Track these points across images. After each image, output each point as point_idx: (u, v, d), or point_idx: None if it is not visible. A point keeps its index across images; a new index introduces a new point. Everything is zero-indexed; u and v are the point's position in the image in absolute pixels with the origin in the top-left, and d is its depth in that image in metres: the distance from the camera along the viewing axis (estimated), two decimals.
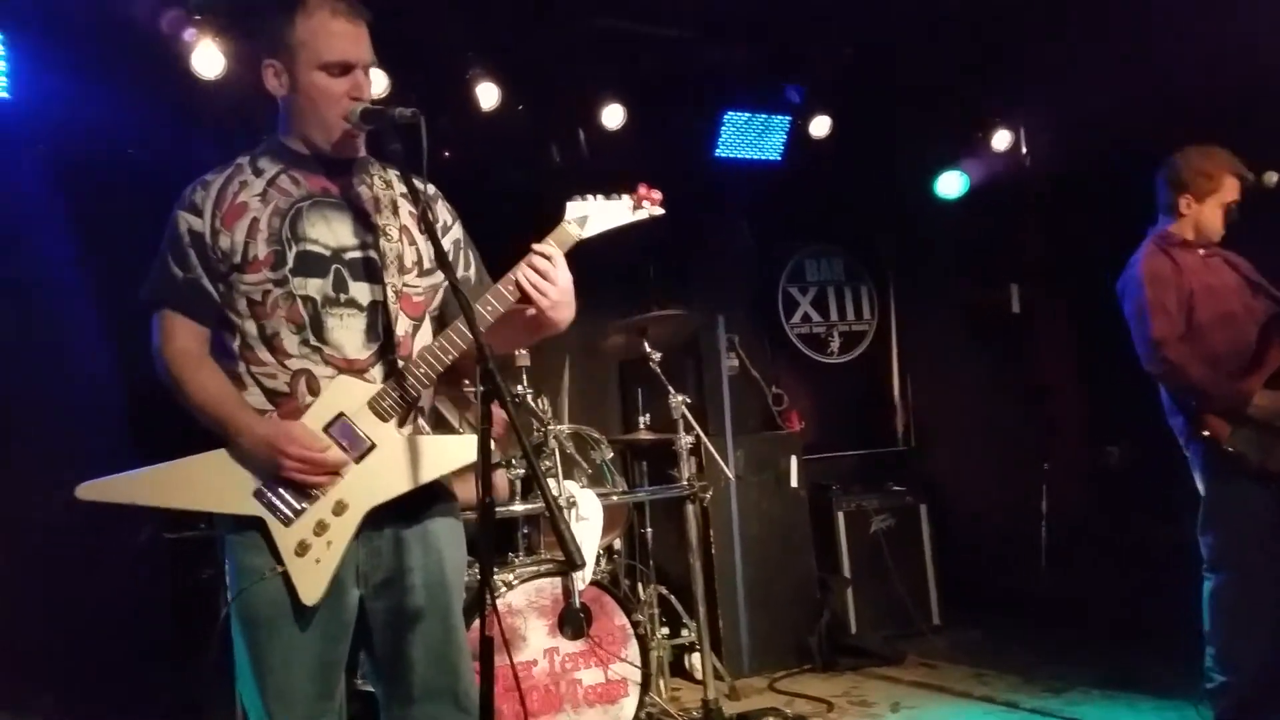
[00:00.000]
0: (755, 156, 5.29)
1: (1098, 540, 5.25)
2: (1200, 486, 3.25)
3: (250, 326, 2.00)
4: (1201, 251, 3.35)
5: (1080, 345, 5.63)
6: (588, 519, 3.38)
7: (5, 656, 3.55)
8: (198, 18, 3.74)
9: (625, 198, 2.23)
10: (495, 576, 3.37)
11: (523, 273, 2.02)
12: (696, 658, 4.15)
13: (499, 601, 3.27)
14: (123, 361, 3.82)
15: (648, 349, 3.93)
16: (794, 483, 4.91)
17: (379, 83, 3.99)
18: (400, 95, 4.07)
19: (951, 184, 5.61)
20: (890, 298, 6.06)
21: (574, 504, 3.38)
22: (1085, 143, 4.97)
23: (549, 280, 2.02)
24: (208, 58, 3.78)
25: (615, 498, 3.85)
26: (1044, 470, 5.59)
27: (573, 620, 3.25)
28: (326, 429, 1.98)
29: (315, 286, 2.01)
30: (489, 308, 2.03)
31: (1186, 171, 3.32)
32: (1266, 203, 3.22)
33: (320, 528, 1.97)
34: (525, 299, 2.04)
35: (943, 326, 5.96)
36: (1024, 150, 5.36)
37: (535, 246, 2.05)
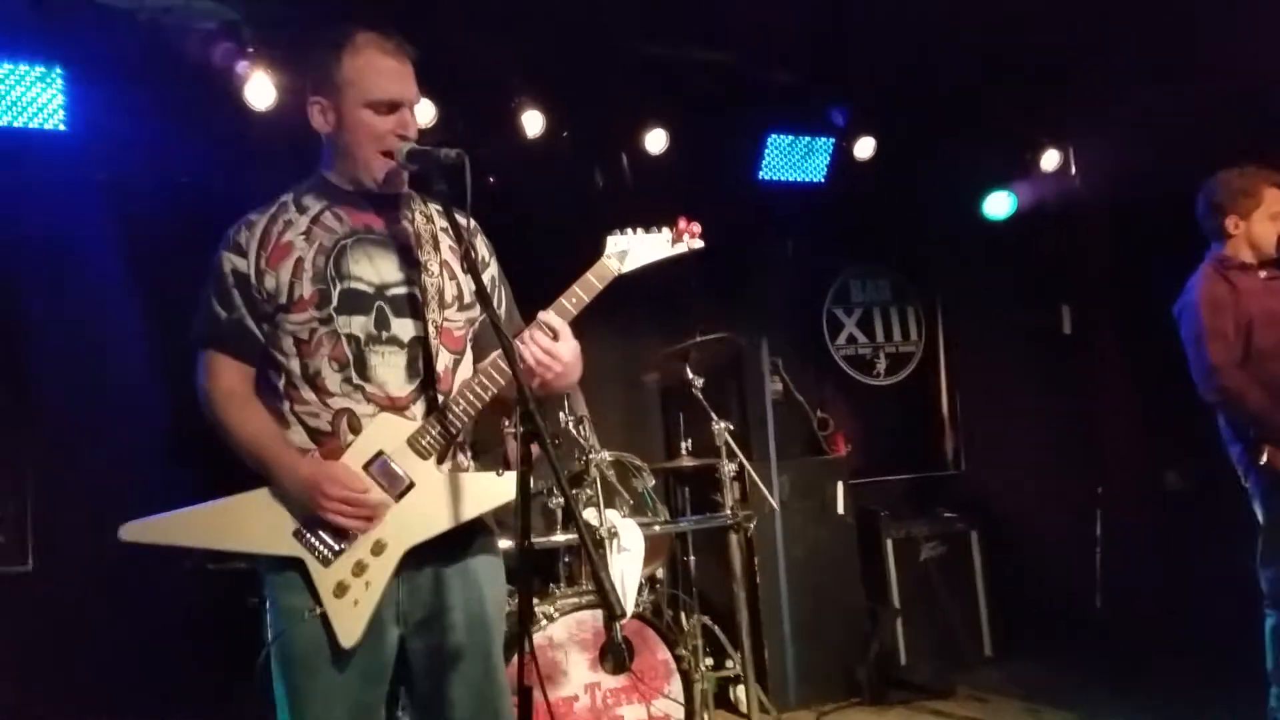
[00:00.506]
0: (799, 179, 5.26)
1: (1155, 568, 5.10)
2: (1260, 517, 3.17)
3: (295, 365, 2.02)
4: (1263, 275, 3.29)
5: (1134, 367, 5.51)
6: (629, 550, 3.34)
7: (53, 685, 3.61)
8: (250, 50, 3.81)
9: (665, 231, 2.24)
10: (536, 608, 3.36)
11: (528, 350, 2.01)
12: (741, 690, 4.09)
13: (539, 635, 3.26)
14: (175, 395, 3.85)
15: (690, 375, 3.92)
16: (840, 510, 4.84)
17: (425, 113, 4.06)
18: (447, 124, 4.14)
19: (1000, 204, 5.55)
20: (938, 318, 5.97)
21: (615, 535, 3.34)
22: (1135, 163, 4.87)
23: (554, 356, 2.01)
24: (260, 90, 3.83)
25: (657, 527, 3.81)
26: (1098, 495, 5.45)
27: (615, 654, 3.22)
28: (366, 467, 1.99)
29: (359, 324, 2.02)
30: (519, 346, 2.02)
31: (1224, 192, 3.29)
32: None
33: (359, 568, 1.97)
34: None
35: (992, 348, 5.86)
36: (1073, 170, 5.26)
37: (540, 316, 2.04)
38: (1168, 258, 3.53)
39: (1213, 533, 4.34)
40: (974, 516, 5.31)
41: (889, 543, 5.09)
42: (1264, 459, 3.06)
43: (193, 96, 3.92)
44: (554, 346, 2.01)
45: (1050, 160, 5.30)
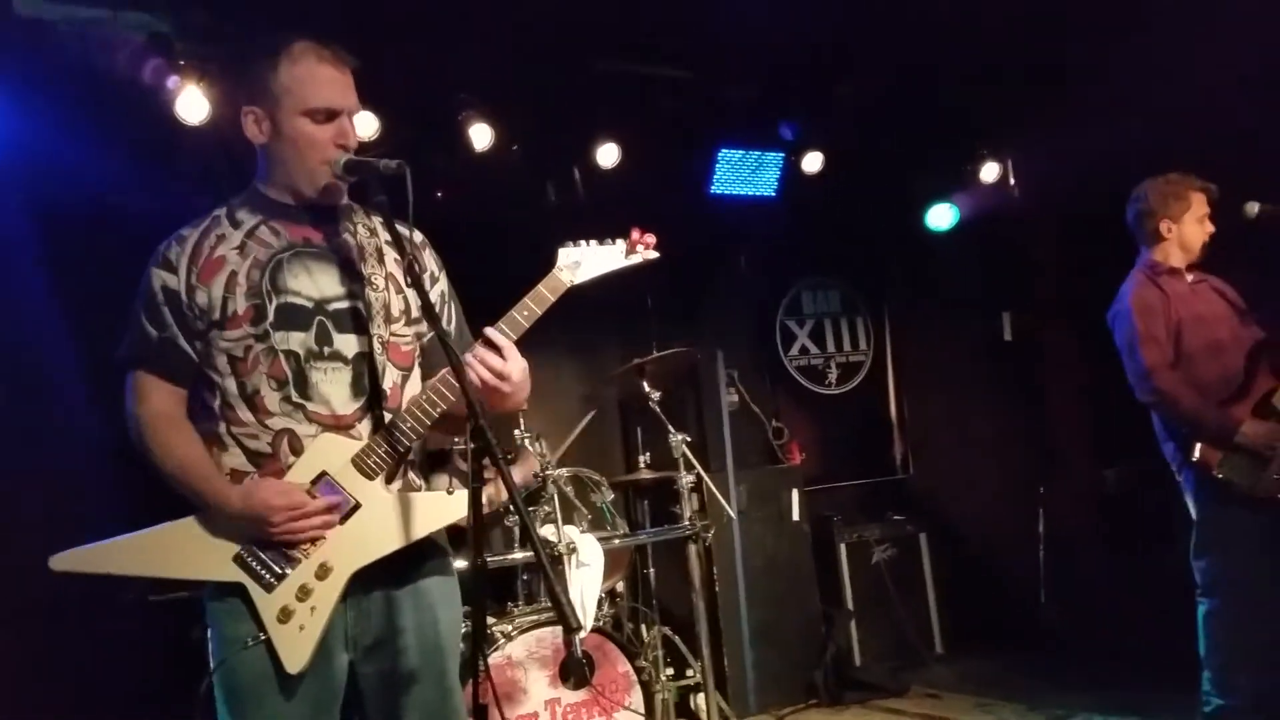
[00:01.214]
0: (750, 193, 5.35)
1: (1096, 564, 5.27)
2: (1193, 512, 3.29)
3: (231, 384, 1.94)
4: (1190, 279, 3.41)
5: (1076, 371, 5.68)
6: (588, 565, 3.34)
7: None
8: (182, 64, 3.70)
9: (619, 243, 2.20)
10: (494, 627, 3.32)
11: (474, 370, 1.94)
12: (702, 698, 4.14)
13: (498, 654, 3.21)
14: (109, 419, 3.67)
15: (646, 389, 3.93)
16: (795, 516, 4.93)
17: (368, 124, 4.00)
18: (391, 136, 4.08)
19: (942, 216, 5.70)
20: (886, 328, 6.10)
21: (574, 550, 3.34)
22: (1072, 174, 5.05)
23: (502, 376, 1.95)
24: (192, 104, 3.72)
25: (617, 541, 3.81)
26: (1041, 495, 5.62)
27: (575, 670, 3.16)
28: (309, 488, 1.92)
29: (298, 340, 1.95)
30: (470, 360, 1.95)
31: (1155, 198, 3.42)
32: (1251, 232, 3.28)
33: (303, 593, 1.89)
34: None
35: (938, 355, 6.01)
36: (1012, 182, 5.44)
37: (486, 332, 1.99)
38: (1105, 265, 3.64)
39: (1151, 529, 4.52)
40: (923, 519, 5.45)
41: (842, 547, 5.20)
42: (1196, 456, 3.18)
43: (121, 111, 3.80)
44: (502, 366, 1.95)
45: (990, 172, 5.46)
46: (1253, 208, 3.20)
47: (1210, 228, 3.39)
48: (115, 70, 3.72)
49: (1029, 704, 4.35)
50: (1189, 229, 3.38)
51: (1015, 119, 5.18)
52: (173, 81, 3.72)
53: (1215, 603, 3.21)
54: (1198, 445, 3.19)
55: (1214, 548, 3.22)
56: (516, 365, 1.99)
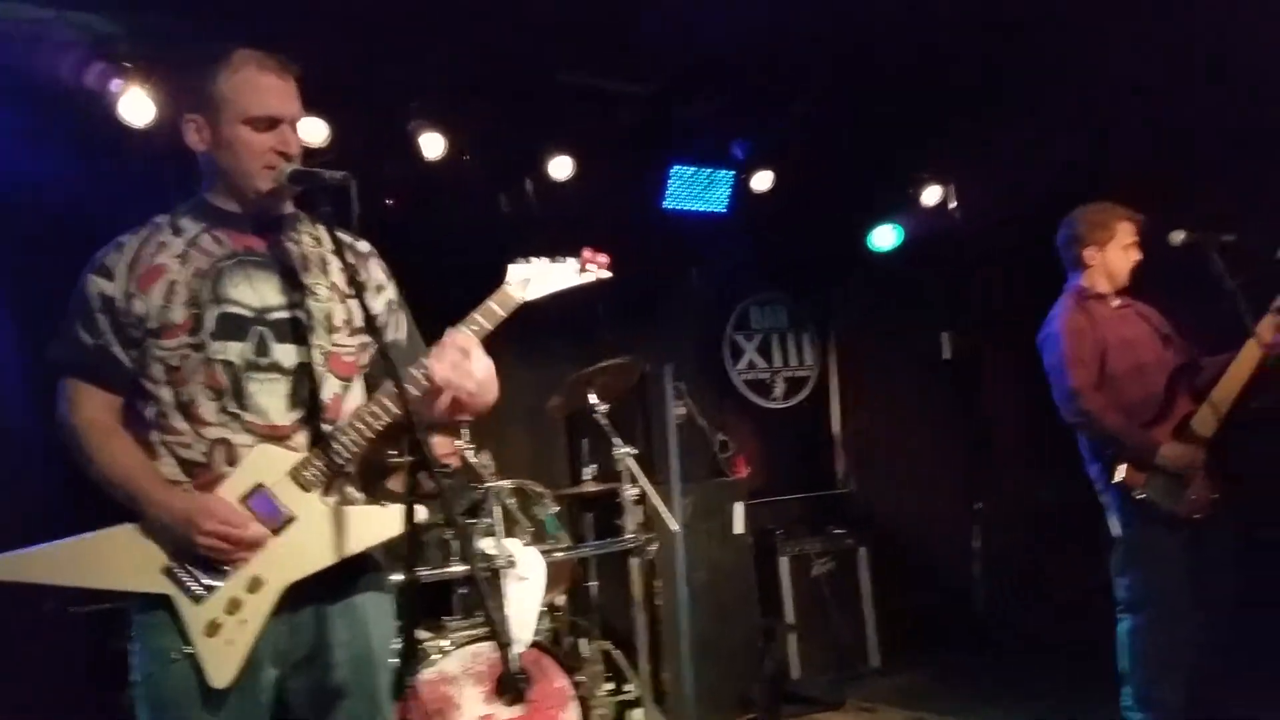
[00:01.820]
0: (702, 208, 5.41)
1: (1028, 580, 5.40)
2: (1115, 531, 3.38)
3: (166, 394, 1.92)
4: (1116, 304, 3.51)
5: (1013, 389, 5.80)
6: (528, 578, 3.29)
7: None
8: (127, 66, 3.65)
9: (571, 260, 2.21)
10: (429, 642, 3.27)
11: (436, 367, 1.95)
12: (640, 713, 4.13)
13: (432, 669, 3.16)
14: (47, 427, 3.61)
15: (593, 401, 3.94)
16: (738, 529, 4.96)
17: (318, 132, 3.96)
18: (341, 144, 4.04)
19: (885, 236, 5.81)
20: (831, 344, 6.20)
21: (514, 564, 3.29)
22: (1013, 196, 5.19)
23: (465, 373, 1.96)
24: (137, 106, 3.67)
25: (559, 554, 3.77)
26: (977, 511, 5.74)
27: (511, 686, 3.07)
28: (243, 500, 1.90)
29: (236, 350, 1.93)
30: (420, 372, 1.96)
31: (1082, 225, 3.51)
32: (1177, 259, 3.39)
33: (233, 606, 1.87)
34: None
35: (880, 372, 6.12)
36: (953, 205, 5.57)
37: (449, 332, 2.00)
38: (1041, 287, 3.74)
39: (1082, 545, 4.64)
40: (863, 533, 5.49)
41: (783, 560, 5.24)
42: (1119, 476, 3.27)
43: (65, 112, 3.74)
44: (465, 362, 1.95)
45: (932, 195, 5.58)
46: (1178, 235, 3.29)
47: (1136, 256, 3.49)
48: (59, 71, 3.66)
49: (963, 716, 4.43)
50: (1114, 257, 3.48)
51: (956, 144, 5.31)
52: (116, 84, 3.68)
53: (1136, 619, 3.30)
54: (1121, 466, 3.28)
55: (1135, 566, 3.31)
56: (481, 363, 1.99)
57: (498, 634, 1.66)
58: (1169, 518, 3.23)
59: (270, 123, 1.98)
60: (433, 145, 4.42)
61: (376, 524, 1.98)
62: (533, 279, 2.14)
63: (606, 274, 2.26)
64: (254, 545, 1.89)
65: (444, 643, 3.25)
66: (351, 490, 2.04)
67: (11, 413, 3.68)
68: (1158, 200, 3.59)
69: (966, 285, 6.09)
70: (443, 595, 3.58)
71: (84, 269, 1.99)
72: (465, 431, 3.56)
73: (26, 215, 3.80)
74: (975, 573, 5.64)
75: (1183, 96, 4.26)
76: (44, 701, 3.53)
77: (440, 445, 3.58)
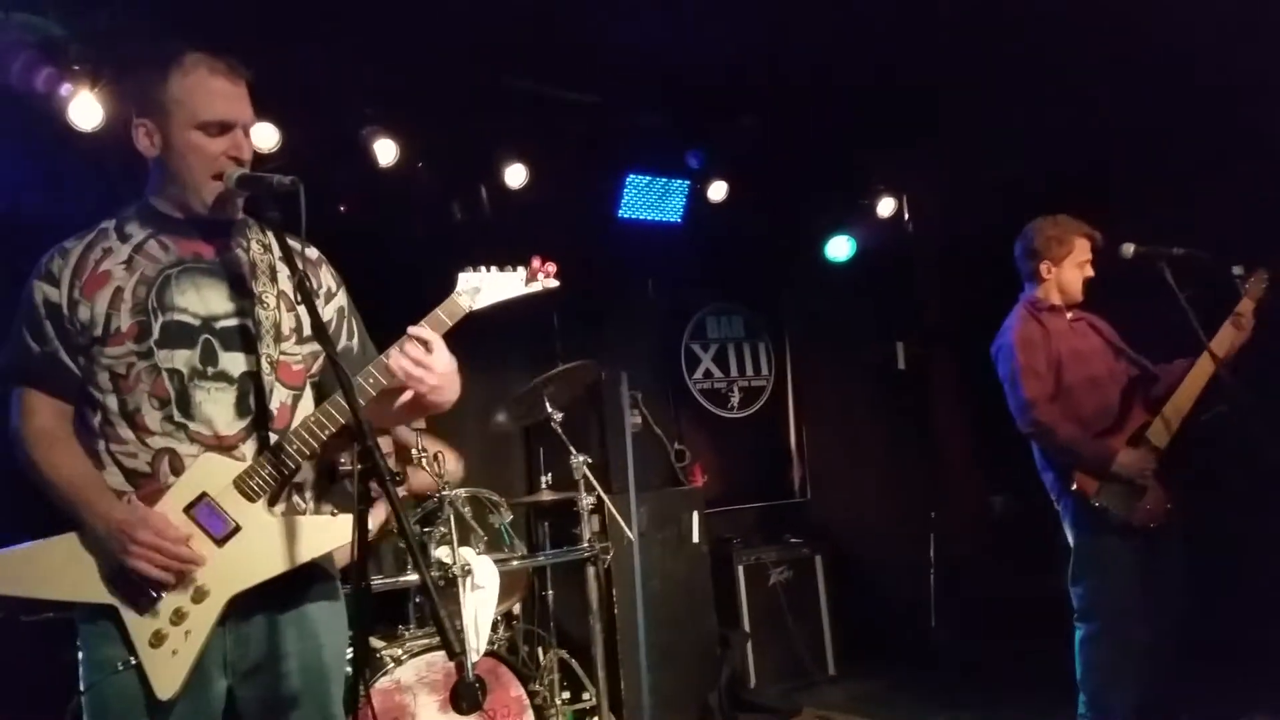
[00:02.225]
0: (657, 218, 5.42)
1: (982, 589, 5.45)
2: (1070, 539, 3.42)
3: (111, 401, 1.90)
4: (1069, 315, 3.55)
5: (966, 399, 5.90)
6: (484, 587, 3.29)
7: None
8: (75, 68, 3.59)
9: (519, 270, 2.22)
10: (383, 651, 3.27)
11: (398, 360, 1.95)
12: None
13: (386, 679, 3.16)
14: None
15: (549, 409, 3.94)
16: (695, 538, 4.96)
17: (269, 137, 3.93)
18: (291, 149, 4.00)
19: (840, 247, 5.87)
20: (786, 354, 6.22)
21: (469, 572, 3.29)
22: (964, 209, 5.27)
23: (425, 367, 1.96)
24: (85, 109, 3.62)
25: (514, 563, 3.78)
26: (932, 520, 5.79)
27: (467, 695, 3.11)
28: (188, 510, 1.88)
29: (182, 359, 1.91)
30: (370, 380, 1.96)
31: (1039, 239, 3.54)
32: (1128, 271, 3.46)
33: (178, 616, 1.85)
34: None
35: (835, 382, 6.17)
36: (907, 217, 5.64)
37: (411, 330, 1.99)
38: (993, 299, 3.78)
39: (1036, 554, 4.70)
40: (819, 542, 5.53)
41: (740, 569, 5.25)
42: (1074, 485, 3.31)
43: (12, 115, 3.65)
44: (426, 358, 1.95)
45: (886, 207, 5.65)
46: (1128, 249, 3.34)
47: (1089, 272, 3.54)
48: (6, 73, 3.58)
49: None
50: (1068, 273, 3.52)
51: (910, 156, 5.38)
52: (66, 88, 3.62)
53: (1091, 627, 3.34)
54: (1076, 474, 3.32)
55: (1090, 574, 3.35)
56: (442, 357, 1.98)
57: (449, 643, 1.62)
58: (1123, 526, 3.27)
59: (222, 127, 1.95)
60: (386, 152, 4.40)
61: (324, 533, 1.96)
62: (482, 288, 2.15)
63: (554, 283, 2.27)
64: (188, 562, 1.86)
65: (398, 651, 3.25)
66: (298, 500, 2.03)
67: None
68: (1107, 213, 3.65)
69: (919, 296, 6.15)
70: (399, 604, 3.56)
71: (30, 275, 1.96)
72: (419, 439, 3.53)
73: None
74: (931, 581, 5.69)
75: (1133, 108, 4.35)
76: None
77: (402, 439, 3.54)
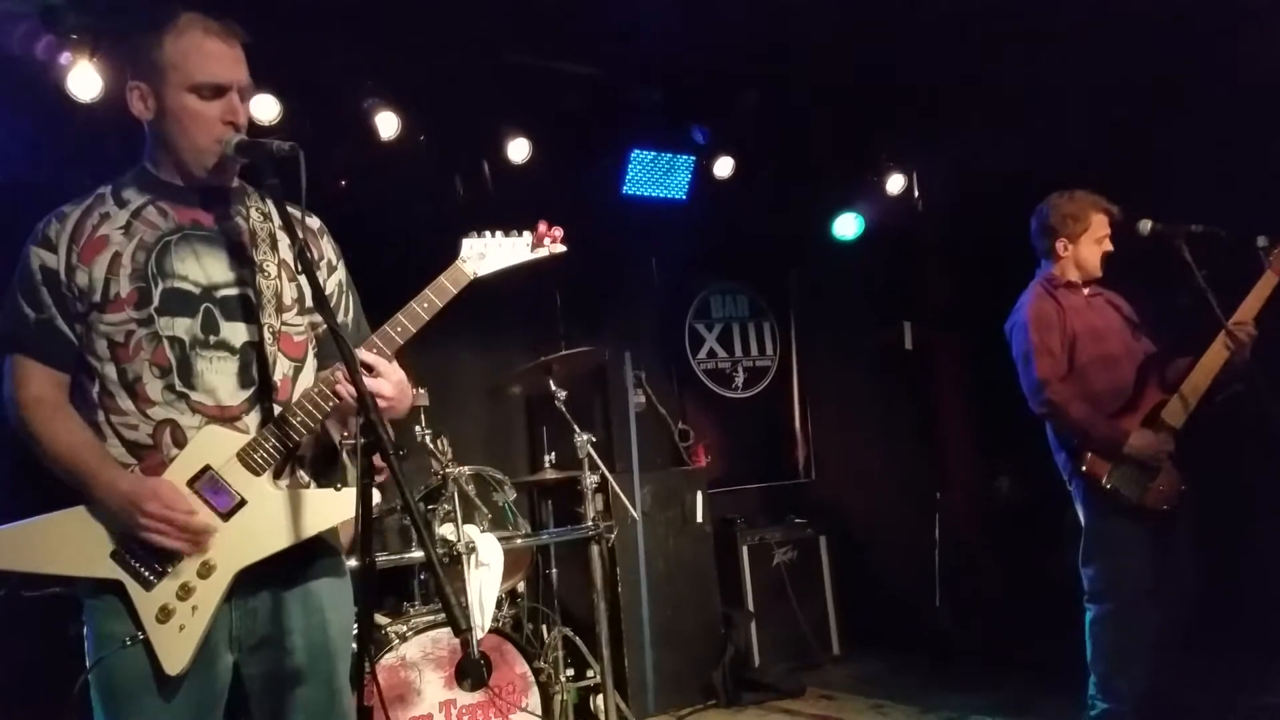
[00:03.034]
0: (661, 195, 5.35)
1: (988, 569, 5.43)
2: (1082, 519, 3.38)
3: (110, 370, 1.86)
4: (1086, 292, 3.50)
5: (972, 380, 5.86)
6: (488, 565, 3.29)
7: None
8: (74, 38, 3.55)
9: (525, 235, 2.18)
10: (388, 627, 3.27)
11: (344, 388, 1.86)
12: (601, 699, 4.11)
13: (391, 655, 3.17)
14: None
15: (553, 387, 3.91)
16: (699, 518, 4.94)
17: (269, 109, 3.90)
18: (292, 121, 3.97)
19: (848, 225, 5.79)
20: (792, 334, 6.17)
21: (473, 550, 3.29)
22: (975, 187, 5.20)
23: (376, 394, 1.86)
24: (84, 79, 3.58)
25: (518, 541, 3.78)
26: (937, 500, 5.77)
27: (472, 671, 3.16)
28: (191, 484, 1.85)
29: (183, 326, 1.88)
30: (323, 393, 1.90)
31: (1055, 216, 3.49)
32: (1146, 248, 3.40)
33: (185, 591, 1.83)
34: None
35: (841, 362, 6.12)
36: (916, 194, 5.57)
37: (357, 353, 1.85)
38: (1002, 278, 3.73)
39: (1042, 535, 4.67)
40: (823, 522, 5.51)
41: (744, 549, 5.23)
42: (1086, 466, 3.27)
43: (10, 88, 3.63)
44: (376, 384, 1.88)
45: (895, 184, 5.57)
46: (1146, 225, 3.30)
47: (1107, 248, 3.48)
48: (8, 45, 3.56)
49: (922, 705, 4.44)
50: (1085, 250, 3.46)
51: (919, 133, 5.30)
52: (65, 57, 3.58)
53: (1101, 609, 3.31)
54: (1088, 455, 3.28)
55: (1101, 555, 3.31)
56: (390, 380, 1.93)
57: (454, 619, 1.59)
58: (1135, 508, 3.24)
59: (216, 90, 1.91)
60: (388, 125, 4.35)
61: (329, 508, 1.93)
62: (487, 254, 2.12)
63: (561, 249, 2.24)
64: (199, 532, 1.83)
65: (403, 628, 3.26)
66: (302, 473, 2.00)
67: None
68: (1121, 189, 3.58)
69: (927, 275, 6.09)
70: (404, 580, 3.55)
71: (26, 240, 1.92)
72: (423, 415, 3.51)
73: None
74: (936, 561, 5.67)
75: (1146, 84, 4.28)
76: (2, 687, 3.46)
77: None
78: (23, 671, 3.44)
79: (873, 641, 5.39)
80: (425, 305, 2.01)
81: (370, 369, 1.90)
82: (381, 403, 1.89)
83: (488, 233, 2.15)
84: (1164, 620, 3.24)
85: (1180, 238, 3.21)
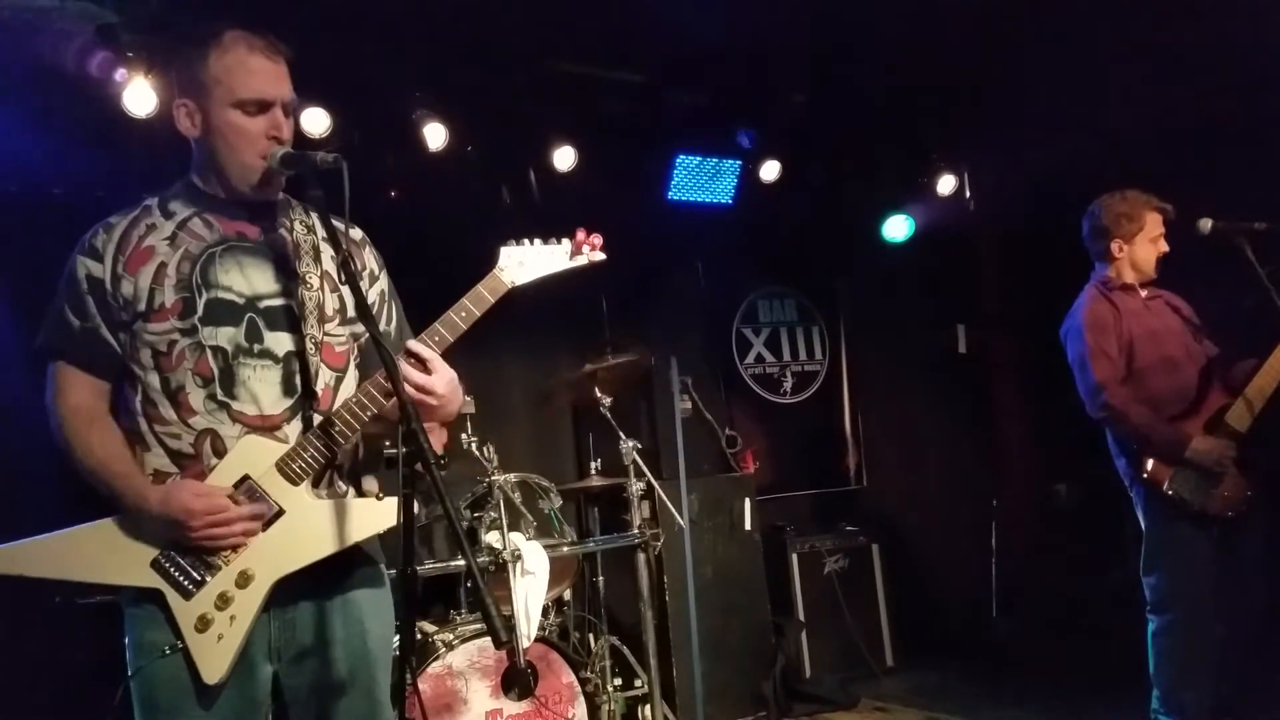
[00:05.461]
0: (707, 199, 5.32)
1: (1046, 579, 5.29)
2: (1143, 527, 3.29)
3: (154, 379, 1.88)
4: (1144, 294, 3.41)
5: (1028, 384, 5.73)
6: (534, 573, 3.28)
7: None
8: (130, 55, 3.64)
9: (564, 243, 2.17)
10: (434, 636, 3.28)
11: (402, 387, 1.83)
12: (649, 709, 4.08)
13: (437, 664, 3.17)
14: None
15: (599, 394, 3.90)
16: (748, 526, 4.89)
17: (319, 122, 3.94)
18: (344, 134, 4.02)
19: (898, 227, 5.71)
20: (841, 338, 6.09)
21: (519, 558, 3.29)
22: (1028, 186, 5.09)
23: (426, 390, 1.91)
24: (139, 96, 3.67)
25: (564, 549, 3.76)
26: (993, 508, 5.64)
27: (518, 680, 3.15)
28: (230, 494, 1.86)
29: (227, 336, 1.89)
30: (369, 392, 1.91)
31: (1108, 217, 3.41)
32: (1206, 248, 3.28)
33: (223, 601, 1.83)
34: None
35: (893, 366, 6.02)
36: (968, 195, 5.46)
37: (409, 344, 1.94)
38: (1058, 279, 3.65)
39: (1102, 543, 4.54)
40: (875, 530, 5.42)
41: (794, 557, 5.16)
42: (1147, 471, 3.18)
43: (67, 104, 3.72)
44: (427, 381, 1.91)
45: (946, 185, 5.48)
46: (1206, 224, 3.21)
47: (1164, 247, 3.39)
48: (63, 61, 3.64)
49: (979, 718, 4.34)
50: (1141, 250, 3.38)
51: (971, 132, 5.21)
52: (120, 74, 3.66)
53: (1165, 619, 3.22)
54: (1149, 461, 3.19)
55: (1163, 563, 3.22)
56: (442, 378, 1.94)
57: (495, 631, 1.58)
58: (1198, 515, 3.13)
59: (261, 106, 1.93)
60: (435, 136, 4.38)
61: (369, 517, 1.93)
62: (526, 262, 2.12)
63: (601, 256, 2.22)
64: (248, 521, 1.84)
65: (450, 636, 3.26)
66: (340, 483, 2.01)
67: (21, 411, 3.63)
68: (1176, 188, 3.48)
69: (980, 277, 5.97)
70: (451, 588, 3.56)
71: (73, 250, 1.95)
72: (469, 423, 3.52)
73: (31, 205, 3.80)
74: (992, 571, 5.54)
75: (1201, 82, 4.15)
76: (51, 695, 3.54)
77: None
78: (76, 679, 3.46)
79: (928, 652, 5.28)
80: (463, 315, 2.01)
81: (423, 361, 1.92)
82: (433, 400, 1.91)
83: (526, 241, 2.14)
84: (1231, 632, 3.13)
85: (1243, 236, 3.11)
